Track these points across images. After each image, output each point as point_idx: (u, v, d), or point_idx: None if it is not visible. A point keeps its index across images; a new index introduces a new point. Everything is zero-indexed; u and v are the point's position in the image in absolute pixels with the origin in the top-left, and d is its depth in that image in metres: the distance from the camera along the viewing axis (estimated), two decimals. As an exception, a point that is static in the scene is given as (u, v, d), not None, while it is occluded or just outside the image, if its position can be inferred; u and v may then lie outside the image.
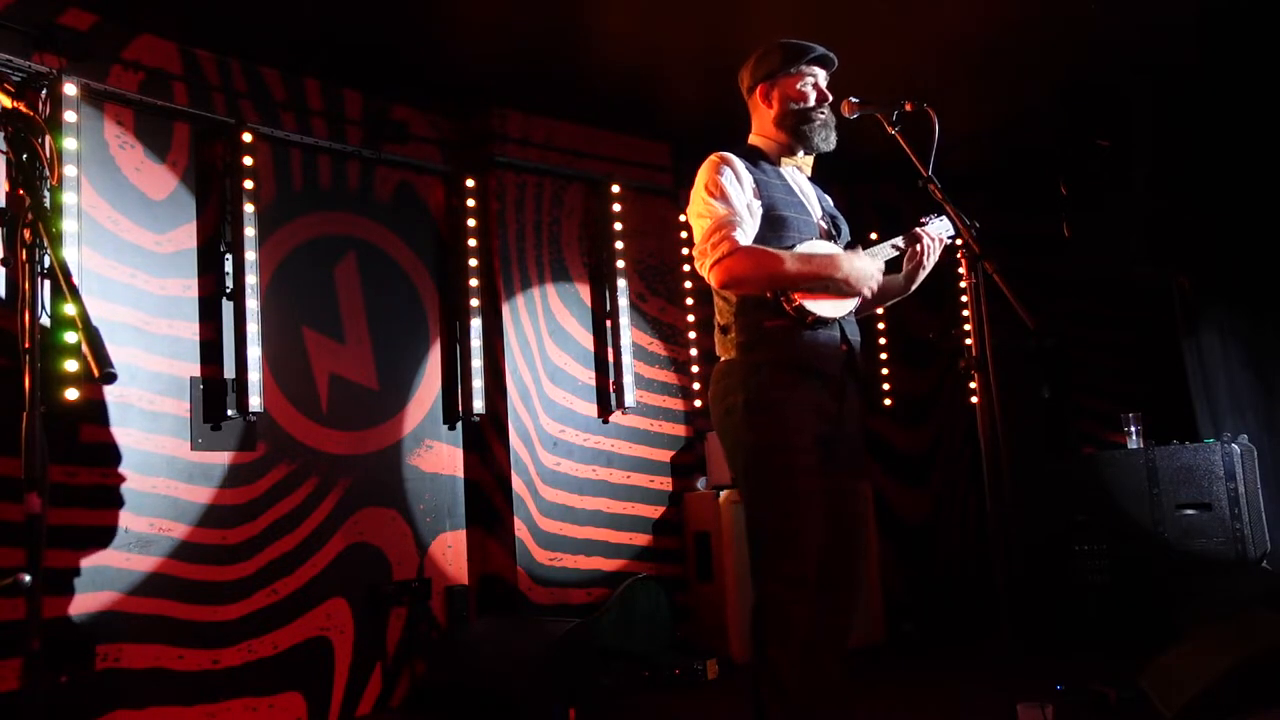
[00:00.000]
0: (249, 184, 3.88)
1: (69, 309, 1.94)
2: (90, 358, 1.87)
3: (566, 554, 4.56)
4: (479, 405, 4.49)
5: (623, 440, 4.87)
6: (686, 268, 5.20)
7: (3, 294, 3.27)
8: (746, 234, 2.45)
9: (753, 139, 2.71)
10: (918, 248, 2.67)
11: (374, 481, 4.19)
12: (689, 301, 5.23)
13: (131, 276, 3.63)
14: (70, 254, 3.36)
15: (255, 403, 3.79)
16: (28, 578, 1.88)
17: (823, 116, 2.63)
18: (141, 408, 3.59)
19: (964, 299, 5.64)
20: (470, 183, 4.63)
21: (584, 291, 4.91)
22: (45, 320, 3.25)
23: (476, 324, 4.55)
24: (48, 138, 3.21)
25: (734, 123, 2.84)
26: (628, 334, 4.89)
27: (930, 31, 4.14)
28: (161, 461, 3.61)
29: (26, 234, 2.08)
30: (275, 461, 3.91)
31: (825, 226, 2.63)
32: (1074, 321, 6.17)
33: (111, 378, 1.87)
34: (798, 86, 2.62)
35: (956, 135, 2.94)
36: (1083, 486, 4.79)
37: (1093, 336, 6.15)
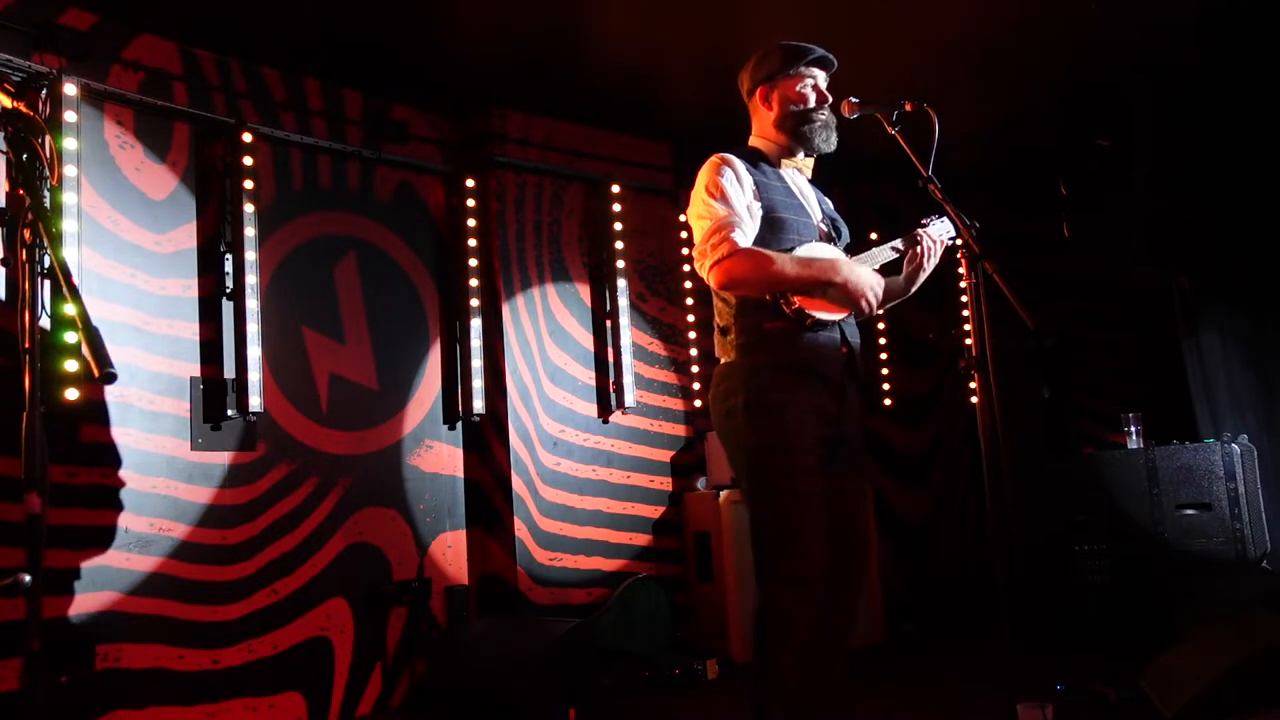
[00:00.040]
0: (249, 184, 3.88)
1: (69, 309, 1.94)
2: (90, 358, 1.87)
3: (566, 554, 4.56)
4: (479, 405, 4.49)
5: (623, 440, 4.87)
6: (686, 268, 5.20)
7: (3, 294, 3.27)
8: (746, 235, 2.45)
9: (753, 141, 2.71)
10: (917, 250, 2.66)
11: (374, 481, 4.19)
12: (689, 301, 5.23)
13: (131, 276, 3.63)
14: (70, 254, 3.36)
15: (255, 403, 3.79)
16: (28, 578, 1.88)
17: (823, 118, 2.63)
18: (141, 408, 3.59)
19: (964, 299, 5.64)
20: (470, 183, 4.63)
21: (584, 291, 4.91)
22: (45, 320, 3.25)
23: (476, 324, 4.55)
24: (48, 138, 3.21)
25: (734, 123, 2.84)
26: (628, 334, 4.89)
27: (930, 31, 4.14)
28: (161, 461, 3.61)
29: (26, 234, 2.08)
30: (275, 461, 3.91)
31: (825, 229, 2.63)
32: (1074, 321, 6.17)
33: (111, 378, 1.87)
34: (797, 88, 2.62)
35: (956, 135, 2.94)
36: (1083, 486, 4.79)
37: (1093, 336, 6.15)
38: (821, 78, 2.66)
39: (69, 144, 3.40)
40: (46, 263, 2.88)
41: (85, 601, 3.35)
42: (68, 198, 3.38)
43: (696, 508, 4.87)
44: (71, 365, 3.27)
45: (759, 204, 2.51)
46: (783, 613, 2.34)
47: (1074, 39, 4.28)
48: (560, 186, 4.89)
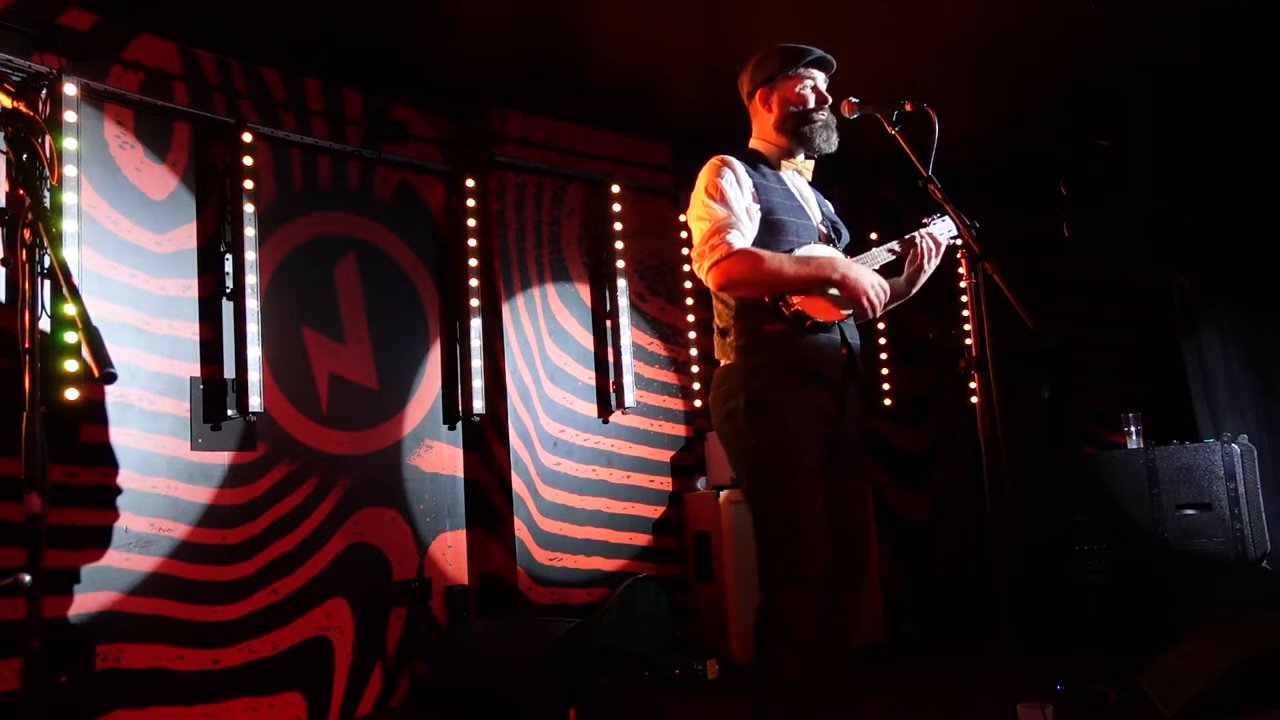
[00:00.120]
0: (249, 184, 3.88)
1: (69, 309, 1.94)
2: (90, 358, 1.87)
3: (566, 554, 4.56)
4: (479, 405, 4.49)
5: (623, 440, 4.87)
6: (686, 268, 5.20)
7: (3, 294, 3.27)
8: (745, 237, 2.45)
9: (753, 143, 2.71)
10: (917, 250, 2.66)
11: (374, 481, 4.19)
12: (689, 302, 5.23)
13: (131, 276, 3.63)
14: (70, 254, 3.36)
15: (255, 403, 3.79)
16: (28, 578, 1.88)
17: (822, 118, 2.63)
18: (141, 408, 3.59)
19: (964, 299, 5.64)
20: (470, 183, 4.63)
21: (584, 291, 4.91)
22: (45, 320, 3.25)
23: (476, 324, 4.55)
24: (48, 138, 3.21)
25: (734, 123, 2.84)
26: (628, 334, 4.89)
27: (930, 31, 4.14)
28: (161, 461, 3.61)
29: (26, 234, 2.08)
30: (275, 461, 3.91)
31: (825, 231, 2.63)
32: (1074, 321, 6.16)
33: (111, 378, 1.87)
34: (797, 89, 2.62)
35: (956, 135, 2.94)
36: (1083, 486, 4.78)
37: (1093, 336, 6.15)
38: (821, 79, 2.66)
39: (69, 144, 3.40)
40: (46, 263, 2.88)
41: (85, 601, 3.35)
42: (68, 198, 3.38)
43: (696, 508, 4.87)
44: (71, 365, 3.27)
45: (758, 206, 2.50)
46: (783, 613, 2.34)
47: (1074, 39, 4.28)
48: (560, 186, 4.89)
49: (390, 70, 4.30)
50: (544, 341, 4.72)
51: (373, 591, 4.08)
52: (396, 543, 4.22)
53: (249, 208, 3.87)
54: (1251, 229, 5.03)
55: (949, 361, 6.04)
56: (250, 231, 3.86)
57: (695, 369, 5.19)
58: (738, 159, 2.56)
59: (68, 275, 1.98)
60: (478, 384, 4.51)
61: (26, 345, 1.98)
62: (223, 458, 3.77)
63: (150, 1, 3.62)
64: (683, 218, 5.00)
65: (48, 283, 3.22)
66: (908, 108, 2.52)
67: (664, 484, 4.97)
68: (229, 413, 3.78)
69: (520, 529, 4.42)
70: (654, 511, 4.90)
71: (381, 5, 3.78)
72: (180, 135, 3.85)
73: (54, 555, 3.29)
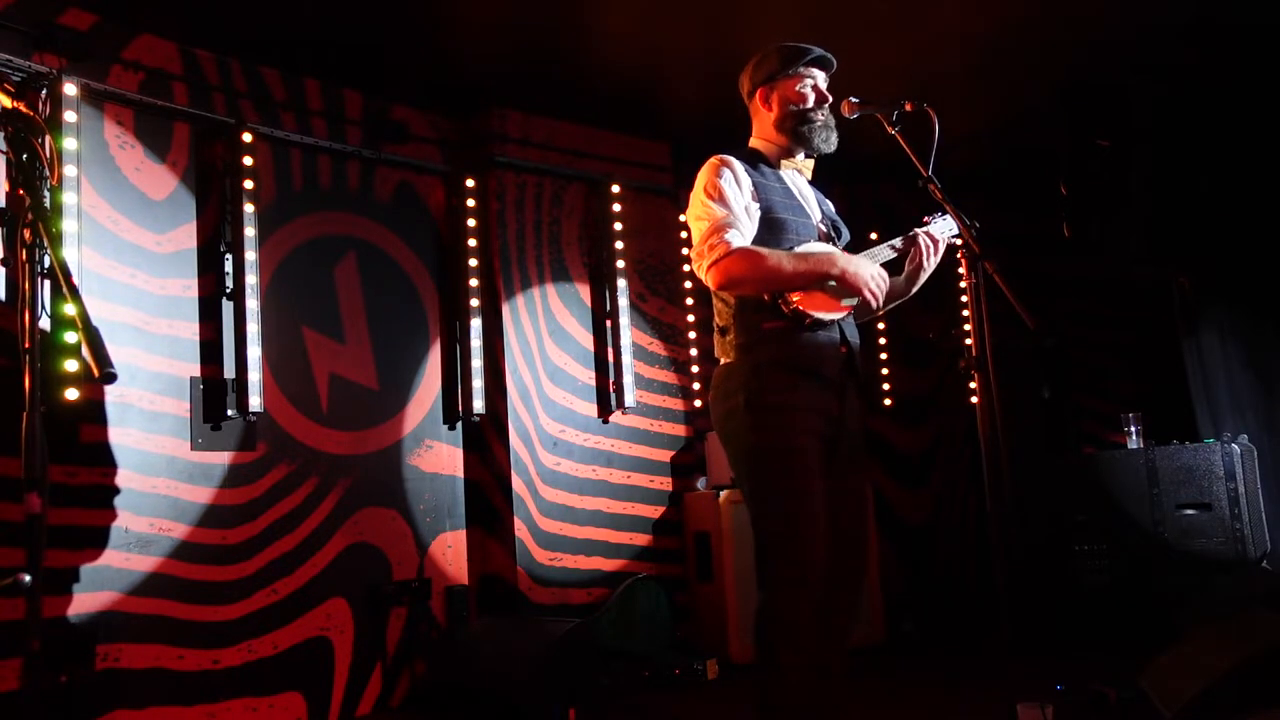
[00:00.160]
0: (249, 184, 3.88)
1: (69, 309, 1.94)
2: (90, 358, 1.87)
3: (566, 554, 4.56)
4: (479, 405, 4.49)
5: (623, 440, 4.87)
6: (686, 268, 5.20)
7: (3, 294, 3.26)
8: (744, 235, 2.44)
9: (753, 143, 2.70)
10: (917, 248, 2.66)
11: (374, 481, 4.19)
12: (689, 301, 5.23)
13: (131, 276, 3.63)
14: (70, 254, 3.36)
15: (255, 403, 3.79)
16: (28, 578, 1.88)
17: (822, 118, 2.63)
18: (141, 408, 3.59)
19: (964, 299, 5.63)
20: (470, 183, 4.63)
21: (584, 291, 4.91)
22: (45, 320, 3.25)
23: (476, 324, 4.55)
24: (48, 138, 3.20)
25: (734, 123, 2.84)
26: (628, 334, 4.89)
27: (930, 31, 4.14)
28: (161, 461, 3.61)
29: (26, 234, 2.08)
30: (275, 461, 3.91)
31: (825, 229, 2.63)
32: (1074, 321, 6.17)
33: (111, 378, 1.87)
34: (797, 89, 2.62)
35: (956, 135, 2.94)
36: (1083, 486, 4.79)
37: (1093, 336, 6.15)
38: (821, 78, 2.66)
39: (69, 144, 3.40)
40: (46, 263, 2.88)
41: (85, 601, 3.35)
42: (68, 198, 3.38)
43: (696, 508, 4.87)
44: (71, 365, 3.27)
45: (757, 205, 2.50)
46: (783, 613, 2.34)
47: (1074, 39, 4.28)
48: (560, 186, 4.89)
49: (390, 70, 4.30)
50: (544, 341, 4.72)
51: (373, 591, 4.08)
52: (396, 543, 4.22)
53: (249, 208, 3.87)
54: (1251, 229, 5.03)
55: (949, 361, 6.03)
56: (250, 231, 3.86)
57: (695, 369, 5.19)
58: (737, 158, 2.56)
59: (68, 275, 1.98)
60: (478, 384, 4.51)
61: (26, 345, 1.98)
62: (223, 458, 3.77)
63: (150, 1, 3.62)
64: (682, 218, 4.99)
65: (48, 283, 3.21)
66: (908, 108, 2.52)
67: (664, 484, 4.97)
68: (229, 413, 3.78)
69: (520, 529, 4.42)
70: (654, 511, 4.90)
71: (381, 5, 3.78)
72: (180, 135, 3.85)
73: (54, 555, 3.29)
